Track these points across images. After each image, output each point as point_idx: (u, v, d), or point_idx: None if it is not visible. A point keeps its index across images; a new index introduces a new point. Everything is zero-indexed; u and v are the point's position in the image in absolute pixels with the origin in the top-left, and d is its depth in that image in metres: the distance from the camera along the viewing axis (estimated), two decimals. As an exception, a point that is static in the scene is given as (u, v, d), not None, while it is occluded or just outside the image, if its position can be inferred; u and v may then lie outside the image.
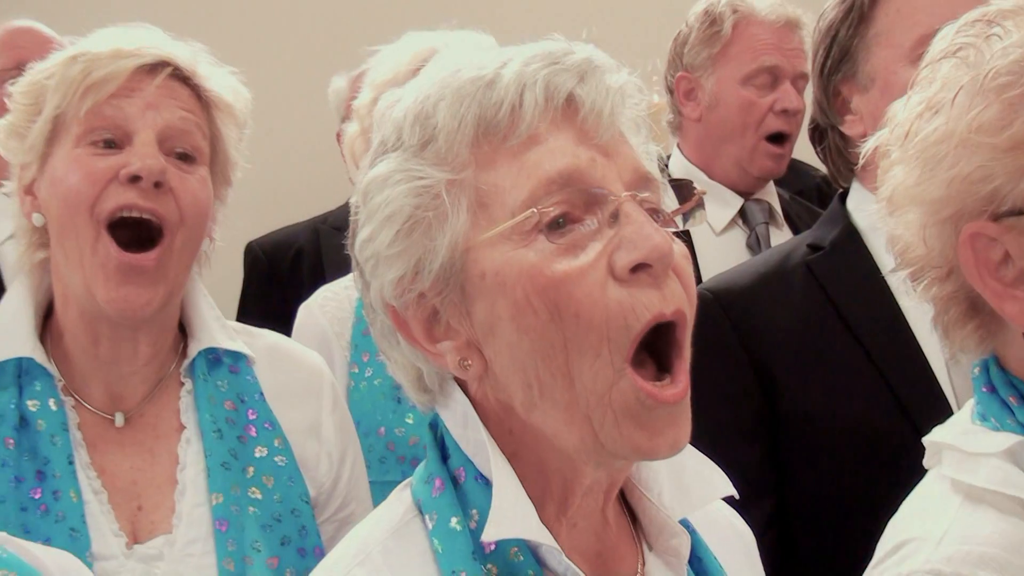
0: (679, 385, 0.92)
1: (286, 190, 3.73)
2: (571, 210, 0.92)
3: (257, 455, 1.49)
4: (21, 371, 1.43)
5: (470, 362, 0.95)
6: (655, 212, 0.96)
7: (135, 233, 1.41)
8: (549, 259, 0.90)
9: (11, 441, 1.39)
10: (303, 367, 1.60)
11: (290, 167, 3.79)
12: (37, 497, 1.37)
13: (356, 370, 1.94)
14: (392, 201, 0.94)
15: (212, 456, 1.45)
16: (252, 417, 1.51)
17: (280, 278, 2.94)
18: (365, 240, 0.96)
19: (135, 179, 1.40)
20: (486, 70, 0.95)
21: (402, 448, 1.88)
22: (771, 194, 2.52)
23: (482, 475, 0.95)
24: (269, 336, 1.63)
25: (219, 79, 1.50)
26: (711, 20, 2.46)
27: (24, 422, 1.40)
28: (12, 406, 1.41)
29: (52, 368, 1.44)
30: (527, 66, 0.94)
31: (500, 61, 0.95)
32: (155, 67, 1.45)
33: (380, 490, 1.77)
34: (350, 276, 2.05)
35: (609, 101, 0.95)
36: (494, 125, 0.93)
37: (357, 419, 1.72)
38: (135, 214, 1.40)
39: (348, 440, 1.61)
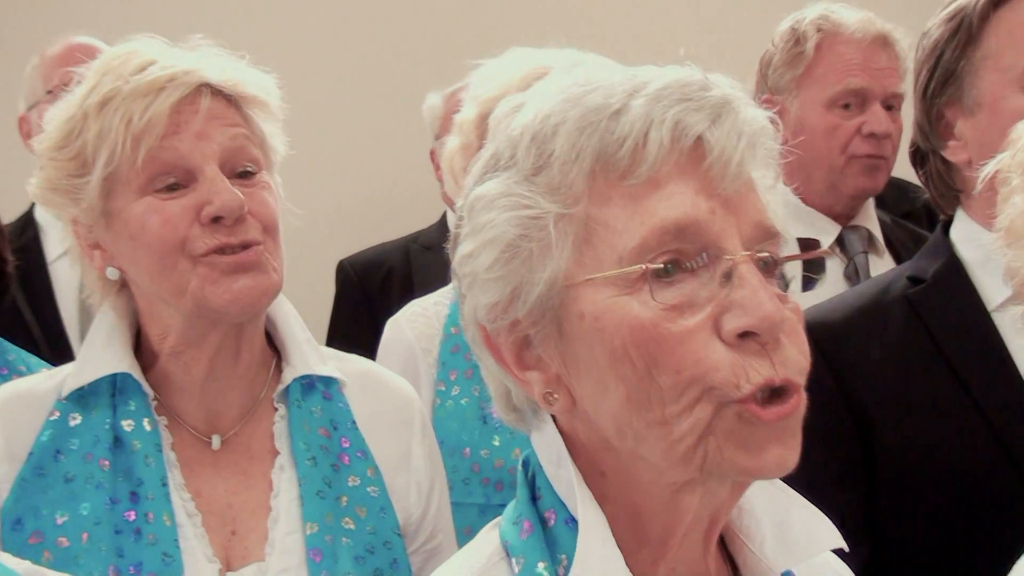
0: (785, 402, 0.87)
1: (378, 208, 3.75)
2: (681, 259, 0.87)
3: (350, 484, 1.46)
4: (116, 389, 1.43)
5: (556, 396, 0.92)
6: (772, 265, 0.91)
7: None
8: (654, 314, 0.86)
9: (106, 463, 1.38)
10: (394, 395, 1.58)
11: (383, 186, 3.81)
12: (131, 519, 1.36)
13: (443, 388, 1.92)
14: (496, 225, 0.91)
15: (306, 484, 1.44)
16: (345, 445, 1.49)
17: (371, 297, 2.95)
18: (465, 256, 0.93)
19: (217, 219, 1.37)
20: (614, 98, 0.89)
21: (486, 470, 1.85)
22: (871, 219, 2.42)
23: (573, 518, 0.92)
24: (360, 362, 1.61)
25: (245, 77, 1.45)
26: (795, 39, 2.35)
27: (119, 442, 1.40)
28: (107, 426, 1.40)
29: (147, 386, 1.43)
30: (658, 100, 0.88)
31: (630, 89, 0.89)
32: (193, 93, 1.39)
33: (462, 512, 1.77)
34: (440, 292, 2.04)
35: (740, 148, 0.89)
36: (614, 162, 0.88)
37: (441, 438, 1.71)
38: (228, 250, 1.38)
39: (436, 469, 1.59)
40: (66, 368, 1.49)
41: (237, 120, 1.43)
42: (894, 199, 2.56)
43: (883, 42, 2.34)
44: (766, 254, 0.90)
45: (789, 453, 0.87)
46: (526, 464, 0.98)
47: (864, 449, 1.52)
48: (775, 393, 0.87)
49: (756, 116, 0.92)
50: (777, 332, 0.86)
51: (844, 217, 2.39)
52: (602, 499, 0.92)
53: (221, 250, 1.37)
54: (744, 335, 0.86)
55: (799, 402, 0.87)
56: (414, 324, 1.98)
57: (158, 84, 1.37)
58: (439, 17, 3.87)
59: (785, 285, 0.93)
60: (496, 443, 1.88)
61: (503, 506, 1.83)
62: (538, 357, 0.92)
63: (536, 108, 0.92)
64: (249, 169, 1.43)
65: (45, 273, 2.73)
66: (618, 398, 0.87)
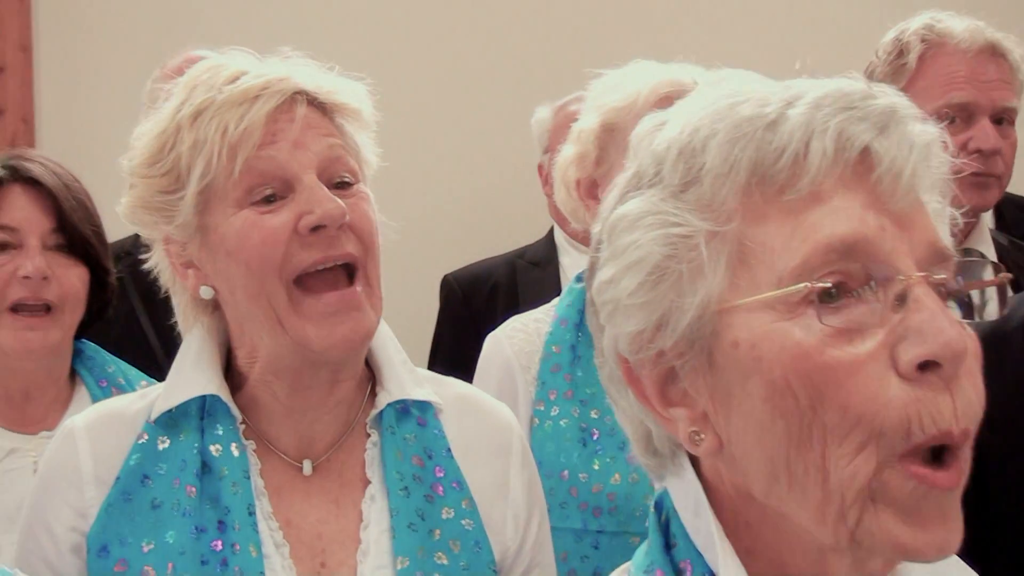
0: (953, 470, 0.78)
1: (484, 223, 3.72)
2: (848, 281, 0.79)
3: (444, 516, 1.40)
4: (205, 412, 1.40)
5: (703, 436, 0.84)
6: (947, 293, 0.83)
7: (329, 277, 1.36)
8: (819, 341, 0.78)
9: (193, 489, 1.35)
10: (492, 421, 1.52)
11: (489, 200, 3.78)
12: (218, 550, 1.32)
13: (541, 408, 1.86)
14: (641, 246, 0.84)
15: (398, 516, 1.38)
16: (439, 475, 1.43)
17: (475, 313, 2.92)
18: (605, 282, 0.86)
19: (317, 228, 1.32)
20: (769, 108, 0.82)
21: (585, 494, 1.79)
22: (985, 242, 2.30)
23: (712, 572, 0.84)
24: (458, 386, 1.56)
25: (338, 86, 1.41)
26: (898, 51, 2.24)
27: (206, 468, 1.37)
28: (195, 451, 1.36)
29: (235, 409, 1.39)
30: (818, 109, 0.81)
31: (786, 99, 0.83)
32: (287, 102, 1.35)
33: (559, 537, 1.71)
34: (542, 308, 1.99)
35: (911, 160, 0.81)
36: (771, 175, 0.81)
37: (539, 460, 1.66)
38: (327, 265, 1.34)
39: (535, 499, 1.52)
40: (158, 388, 1.46)
41: (332, 130, 1.39)
42: (1015, 218, 2.41)
43: (992, 52, 2.21)
44: (942, 276, 0.82)
45: (952, 535, 0.79)
46: (659, 507, 0.91)
47: (978, 492, 1.41)
48: (941, 450, 0.79)
49: (926, 129, 0.85)
50: (961, 363, 0.78)
51: (955, 238, 2.25)
52: (746, 554, 0.84)
53: (318, 265, 1.33)
54: (924, 367, 0.77)
55: (967, 463, 0.79)
56: (513, 340, 1.93)
57: (252, 92, 1.34)
58: (548, 27, 3.84)
59: (970, 312, 0.84)
60: (596, 467, 1.82)
61: (601, 532, 1.80)
62: (684, 392, 0.85)
63: (683, 122, 0.86)
64: (347, 179, 1.39)
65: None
66: (776, 436, 0.80)
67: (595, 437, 1.82)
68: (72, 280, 1.91)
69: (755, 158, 0.81)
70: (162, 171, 1.36)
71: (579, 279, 1.99)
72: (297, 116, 1.35)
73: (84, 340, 2.04)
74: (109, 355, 2.06)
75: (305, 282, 1.34)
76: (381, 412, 1.43)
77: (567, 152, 1.90)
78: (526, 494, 1.49)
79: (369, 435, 1.44)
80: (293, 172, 1.34)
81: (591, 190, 1.91)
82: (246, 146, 1.32)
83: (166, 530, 1.33)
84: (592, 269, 0.89)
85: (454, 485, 1.42)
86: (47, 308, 1.88)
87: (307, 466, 1.41)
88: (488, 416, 1.52)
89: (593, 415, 1.84)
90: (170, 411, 1.39)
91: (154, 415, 1.40)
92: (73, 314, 1.93)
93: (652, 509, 0.92)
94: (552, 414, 1.84)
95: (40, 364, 1.92)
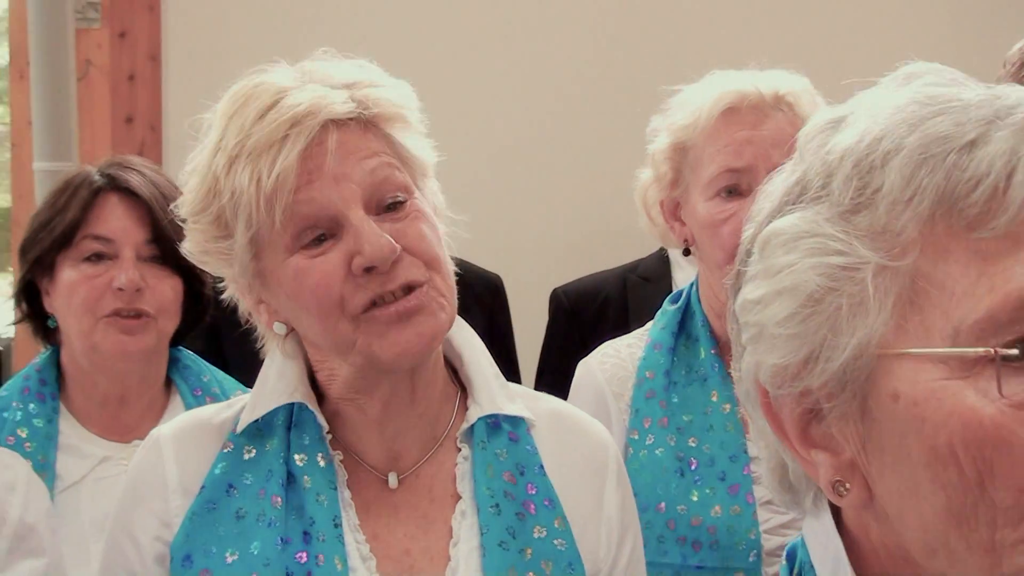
0: None
1: (595, 235, 3.64)
2: None
3: (536, 536, 1.34)
4: (291, 422, 1.36)
5: (848, 487, 0.75)
6: None
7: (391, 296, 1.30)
8: (998, 411, 0.67)
9: (278, 500, 1.31)
10: (588, 438, 1.46)
11: (601, 211, 3.69)
12: (302, 561, 1.28)
13: (636, 436, 1.78)
14: (797, 271, 0.74)
15: (488, 533, 1.33)
16: (531, 492, 1.37)
17: (584, 327, 2.84)
18: (752, 302, 0.77)
19: (370, 269, 1.27)
20: (968, 126, 0.71)
21: (683, 528, 1.69)
22: None
23: None
24: (552, 402, 1.50)
25: (374, 94, 1.32)
26: (1022, 63, 2.09)
27: (292, 478, 1.33)
28: (280, 460, 1.33)
29: (321, 418, 1.36)
30: None
31: (990, 115, 0.71)
32: (319, 133, 1.27)
33: (656, 573, 1.62)
34: (635, 333, 1.91)
35: None
36: (961, 208, 0.70)
37: (634, 491, 1.58)
38: (389, 298, 1.29)
39: (630, 520, 1.46)
40: (244, 398, 1.44)
41: (374, 147, 1.31)
42: None
43: None
44: None
45: None
46: (791, 557, 0.83)
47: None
48: None
49: None
50: None
51: None
52: None
53: (380, 299, 1.28)
54: None
55: None
56: (605, 366, 1.86)
57: (280, 132, 1.25)
58: (663, 37, 3.74)
59: None
60: (694, 498, 1.72)
61: (701, 568, 1.69)
62: (829, 436, 0.76)
63: (862, 128, 0.75)
64: (398, 199, 1.32)
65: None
66: (933, 507, 0.70)
67: (693, 467, 1.73)
68: (166, 291, 1.90)
69: (944, 186, 0.70)
70: (210, 220, 1.31)
71: (673, 300, 1.91)
72: (329, 147, 1.27)
73: (181, 348, 2.04)
74: (206, 364, 2.05)
75: (369, 308, 1.30)
76: (472, 426, 1.39)
77: (644, 176, 1.86)
78: (620, 514, 1.43)
79: (459, 449, 1.40)
80: (337, 210, 1.28)
81: (674, 212, 1.85)
82: (282, 194, 1.25)
83: (251, 540, 1.30)
84: (737, 280, 0.80)
85: (546, 503, 1.37)
86: (142, 314, 1.88)
87: (392, 479, 1.37)
88: (583, 433, 1.47)
89: (691, 443, 1.75)
90: (256, 421, 1.37)
91: (240, 425, 1.37)
92: (168, 323, 1.92)
93: (784, 560, 0.84)
94: (647, 443, 1.76)
95: (135, 368, 1.92)
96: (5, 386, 1.93)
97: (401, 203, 1.32)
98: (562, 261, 3.40)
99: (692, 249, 1.87)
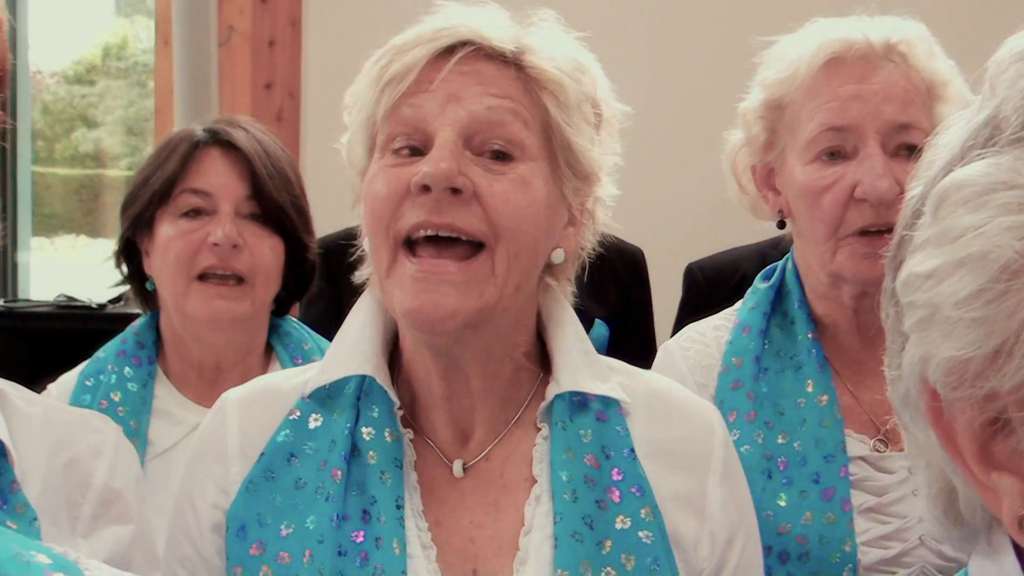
0: None
1: (731, 211, 3.45)
2: None
3: (618, 526, 1.21)
4: (362, 393, 1.27)
5: None
6: None
7: (446, 250, 1.20)
8: None
9: (339, 473, 1.22)
10: (691, 420, 1.31)
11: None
12: (359, 541, 1.19)
13: (719, 431, 1.60)
14: (986, 235, 0.59)
15: (562, 522, 1.20)
16: (617, 478, 1.24)
17: (719, 304, 2.65)
18: (921, 276, 0.62)
19: (425, 188, 1.17)
20: None
21: (769, 536, 1.48)
22: None
23: None
24: (655, 380, 1.36)
25: (547, 51, 1.23)
26: None
27: (356, 451, 1.24)
28: (346, 432, 1.24)
29: (392, 393, 1.26)
30: None
31: None
32: (454, 49, 1.20)
33: (742, 583, 1.43)
34: (723, 314, 1.74)
35: None
36: None
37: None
38: (430, 232, 1.18)
39: (741, 518, 1.29)
40: (317, 364, 1.35)
41: (509, 90, 1.21)
42: None
43: None
44: None
45: None
46: None
47: None
48: None
49: None
50: None
51: None
52: None
53: (421, 237, 1.18)
54: None
55: None
56: (688, 353, 1.68)
57: (426, 36, 1.22)
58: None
59: None
60: (782, 503, 1.54)
61: None
62: (1018, 454, 0.61)
63: None
64: (503, 150, 1.21)
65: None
66: None
67: (782, 468, 1.55)
68: (264, 251, 1.83)
69: None
70: (348, 104, 1.28)
71: (766, 276, 1.71)
72: (464, 70, 1.20)
73: (286, 316, 1.97)
74: (308, 331, 1.97)
75: (416, 248, 1.20)
76: (552, 405, 1.26)
77: (734, 139, 1.67)
78: (726, 510, 1.27)
79: (539, 429, 1.27)
80: (433, 126, 1.20)
81: (767, 179, 1.65)
82: (396, 88, 1.20)
83: (307, 514, 1.22)
84: (899, 251, 0.65)
85: (634, 491, 1.24)
86: (239, 279, 1.81)
87: (457, 466, 1.27)
88: (686, 415, 1.32)
89: (780, 440, 1.57)
90: (326, 387, 1.28)
91: (308, 390, 1.28)
92: (265, 288, 1.85)
93: None
94: (732, 439, 1.58)
95: (230, 337, 1.85)
96: (103, 348, 1.89)
97: (509, 157, 1.21)
98: (700, 234, 3.22)
99: (788, 221, 1.67)
